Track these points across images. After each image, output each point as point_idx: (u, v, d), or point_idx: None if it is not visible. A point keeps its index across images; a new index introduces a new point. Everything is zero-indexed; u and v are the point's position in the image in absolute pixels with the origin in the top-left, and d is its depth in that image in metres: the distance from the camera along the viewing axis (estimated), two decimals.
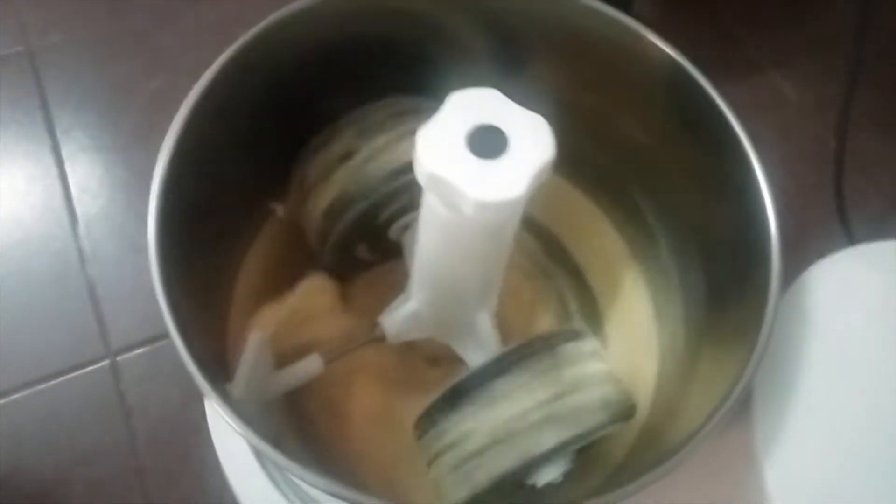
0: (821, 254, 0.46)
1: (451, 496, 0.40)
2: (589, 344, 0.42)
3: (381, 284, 0.51)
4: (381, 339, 0.46)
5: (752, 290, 0.37)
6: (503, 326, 0.45)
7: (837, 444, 0.39)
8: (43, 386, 0.61)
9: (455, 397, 0.40)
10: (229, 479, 0.50)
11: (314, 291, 0.48)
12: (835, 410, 0.39)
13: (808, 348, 0.40)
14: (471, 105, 0.33)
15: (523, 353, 0.40)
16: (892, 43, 0.77)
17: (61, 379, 0.61)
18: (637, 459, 0.43)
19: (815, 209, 0.65)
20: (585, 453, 0.42)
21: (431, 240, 0.39)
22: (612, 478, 0.43)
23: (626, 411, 0.41)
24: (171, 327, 0.34)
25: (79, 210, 0.69)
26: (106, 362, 0.62)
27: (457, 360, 0.47)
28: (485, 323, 0.44)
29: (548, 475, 0.39)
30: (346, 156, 0.45)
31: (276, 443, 0.32)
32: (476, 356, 0.45)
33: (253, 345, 0.42)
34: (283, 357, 0.45)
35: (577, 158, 0.49)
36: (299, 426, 0.48)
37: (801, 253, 0.47)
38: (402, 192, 0.44)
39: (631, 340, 0.51)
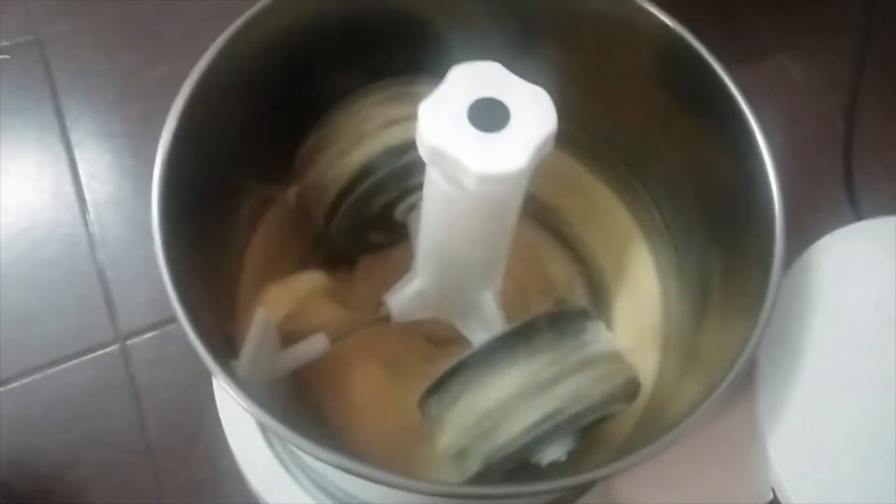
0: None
1: (455, 474, 0.40)
2: (594, 321, 0.42)
3: (386, 265, 0.51)
4: (387, 318, 0.46)
5: (756, 263, 0.37)
6: (508, 305, 0.45)
7: (841, 419, 0.38)
8: (53, 370, 0.61)
9: (459, 375, 0.40)
10: (238, 460, 0.50)
11: (320, 272, 0.48)
12: (839, 385, 0.39)
13: (812, 323, 0.40)
14: (472, 78, 0.33)
15: (527, 330, 0.40)
16: None
17: (71, 363, 0.62)
18: (641, 437, 0.43)
19: (824, 190, 0.65)
20: (589, 432, 0.42)
21: (435, 217, 0.39)
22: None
23: (630, 389, 0.41)
24: (177, 306, 0.34)
25: (88, 196, 0.70)
26: (115, 346, 0.63)
27: (462, 340, 0.47)
28: (489, 302, 0.44)
29: (552, 454, 0.39)
30: (351, 134, 0.45)
31: (282, 419, 0.32)
32: (481, 335, 0.45)
33: (258, 323, 0.42)
34: (290, 336, 0.45)
35: (583, 134, 0.49)
36: (305, 404, 0.48)
37: (811, 234, 0.47)
38: (407, 171, 0.44)
39: (637, 318, 0.51)
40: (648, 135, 0.47)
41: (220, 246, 0.46)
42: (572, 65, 0.45)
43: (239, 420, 0.51)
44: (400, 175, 0.44)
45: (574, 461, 0.40)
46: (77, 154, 0.72)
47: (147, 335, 0.63)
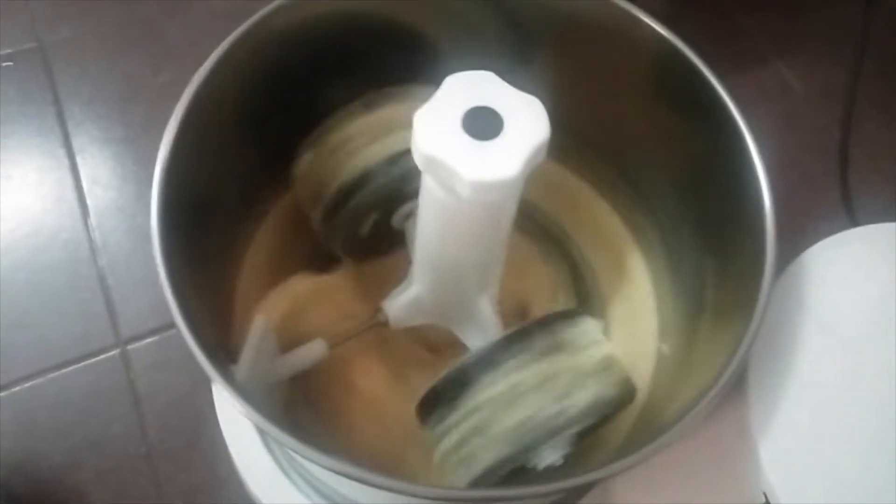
0: None
1: (453, 479, 0.41)
2: (589, 325, 0.42)
3: (384, 272, 0.51)
4: (384, 324, 0.46)
5: (748, 269, 0.37)
6: (505, 311, 0.46)
7: (832, 424, 0.39)
8: (54, 374, 0.62)
9: (455, 381, 0.40)
10: (237, 464, 0.51)
11: (318, 276, 0.49)
12: (830, 391, 0.39)
13: (804, 328, 0.40)
14: (467, 87, 0.33)
15: (523, 336, 0.40)
16: None
17: (72, 367, 0.62)
18: (636, 441, 0.43)
19: (820, 198, 0.65)
20: (586, 437, 0.42)
21: (430, 224, 0.39)
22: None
23: (626, 394, 0.41)
24: (176, 313, 0.34)
25: (90, 201, 0.70)
26: (116, 351, 0.63)
27: (459, 345, 0.47)
28: (486, 308, 0.45)
29: (548, 458, 0.40)
30: (351, 141, 0.45)
31: (280, 424, 0.32)
32: (478, 341, 0.45)
33: (257, 329, 0.43)
34: (288, 342, 0.45)
35: (576, 141, 0.50)
36: (304, 409, 0.48)
37: (807, 240, 0.47)
38: (404, 179, 0.45)
39: (632, 322, 0.51)
40: (642, 143, 0.48)
41: (220, 252, 0.46)
42: (567, 74, 0.46)
43: (238, 425, 0.51)
44: (397, 183, 0.45)
45: (570, 465, 0.40)
46: (79, 160, 0.72)
47: (147, 340, 0.64)
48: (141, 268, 0.66)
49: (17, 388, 0.61)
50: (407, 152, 0.34)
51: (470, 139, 0.32)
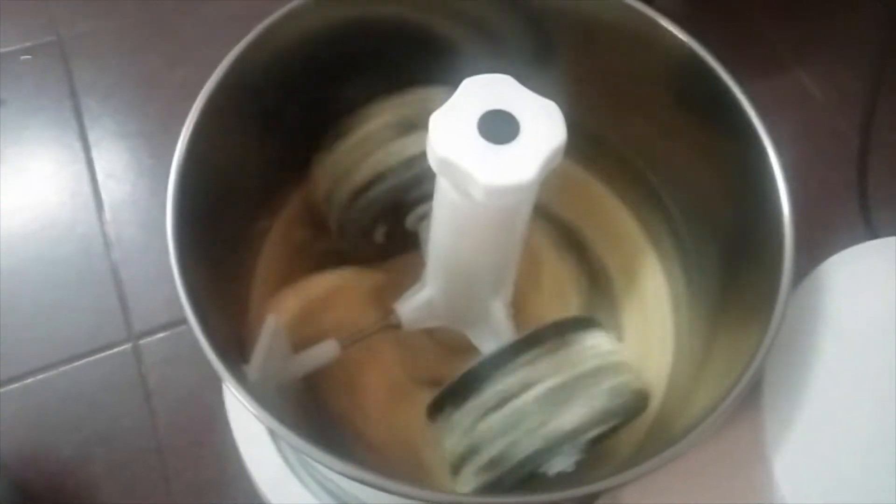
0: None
1: (464, 483, 0.41)
2: (602, 332, 0.42)
3: (398, 274, 0.51)
4: (397, 326, 0.46)
5: (766, 278, 0.37)
6: (518, 315, 0.46)
7: (847, 438, 0.38)
8: (66, 367, 0.62)
9: (466, 385, 0.40)
10: (246, 461, 0.51)
11: (332, 278, 0.49)
12: (845, 404, 0.39)
13: (821, 340, 0.40)
14: (483, 90, 0.33)
15: (536, 340, 0.40)
16: None
17: (84, 361, 0.63)
18: (649, 449, 0.43)
19: (838, 207, 0.65)
20: (598, 444, 0.42)
21: (444, 227, 0.39)
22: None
23: (639, 401, 0.41)
24: (188, 311, 0.34)
25: (105, 195, 0.70)
26: (128, 345, 0.63)
27: (472, 348, 0.47)
28: (499, 311, 0.45)
29: (559, 464, 0.39)
30: (368, 140, 0.45)
31: (292, 425, 0.32)
32: (490, 344, 0.45)
33: (269, 328, 0.43)
34: (301, 342, 0.45)
35: (594, 145, 0.49)
36: (315, 409, 0.48)
37: (825, 251, 0.47)
38: (419, 181, 0.45)
39: (646, 329, 0.51)
40: (661, 149, 0.47)
41: (234, 251, 0.46)
42: (585, 79, 0.46)
43: (248, 422, 0.51)
44: (411, 184, 0.45)
45: (582, 472, 0.40)
46: (95, 153, 0.73)
47: (160, 335, 0.64)
48: (154, 263, 0.67)
49: (30, 381, 0.61)
50: (423, 154, 0.34)
51: (485, 142, 0.32)
